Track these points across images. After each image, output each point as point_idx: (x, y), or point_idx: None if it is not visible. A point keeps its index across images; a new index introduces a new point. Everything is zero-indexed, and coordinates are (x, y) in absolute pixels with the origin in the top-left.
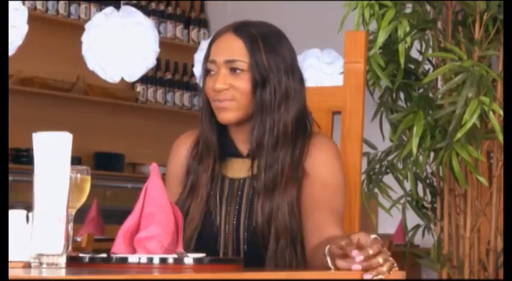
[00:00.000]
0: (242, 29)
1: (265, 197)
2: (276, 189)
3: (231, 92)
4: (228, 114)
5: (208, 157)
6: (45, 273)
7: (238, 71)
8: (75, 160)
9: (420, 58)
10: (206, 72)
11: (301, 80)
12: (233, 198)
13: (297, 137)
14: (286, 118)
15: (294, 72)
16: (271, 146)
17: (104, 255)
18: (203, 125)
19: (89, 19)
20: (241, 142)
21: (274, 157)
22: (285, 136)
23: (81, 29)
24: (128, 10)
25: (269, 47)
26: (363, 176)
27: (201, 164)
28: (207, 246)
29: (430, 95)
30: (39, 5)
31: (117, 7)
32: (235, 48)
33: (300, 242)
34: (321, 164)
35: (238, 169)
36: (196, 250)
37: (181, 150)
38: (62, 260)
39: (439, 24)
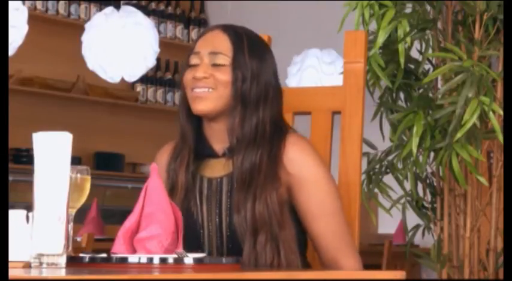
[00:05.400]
0: (230, 28)
1: (241, 190)
2: (254, 184)
3: (212, 81)
4: (204, 104)
5: (184, 150)
6: (45, 273)
7: (220, 66)
8: (75, 160)
9: (420, 58)
10: (187, 66)
11: (279, 90)
12: (213, 197)
13: (273, 139)
14: (264, 118)
15: (274, 80)
16: (248, 142)
17: (104, 255)
18: (180, 120)
19: (89, 19)
20: (216, 141)
21: (250, 153)
22: (263, 135)
23: (81, 29)
24: (127, 10)
25: (253, 50)
26: (363, 176)
27: (178, 160)
28: (191, 245)
29: (430, 95)
30: (39, 5)
31: (117, 7)
32: (220, 43)
33: (283, 242)
34: (301, 167)
35: (215, 169)
36: None
37: (162, 160)
38: (62, 260)
39: (439, 24)
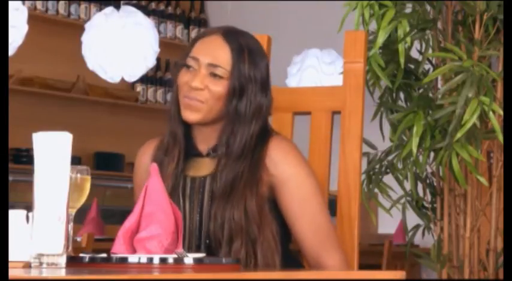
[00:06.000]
0: (231, 36)
1: (221, 200)
2: (233, 192)
3: (205, 94)
4: (194, 115)
5: (174, 149)
6: (45, 273)
7: (217, 77)
8: (75, 160)
9: (420, 58)
10: (183, 66)
11: (271, 101)
12: (196, 195)
13: (256, 145)
14: (255, 130)
15: (267, 88)
16: (237, 155)
17: (104, 255)
18: (171, 118)
19: (89, 19)
20: (201, 141)
21: (236, 165)
22: (249, 146)
23: (81, 29)
24: (127, 10)
25: (252, 60)
26: (363, 176)
27: (167, 155)
28: None
29: (430, 95)
30: (39, 5)
31: (117, 7)
32: (220, 54)
33: (262, 243)
34: (284, 168)
35: (198, 168)
36: None
37: (144, 159)
38: (62, 260)
39: (439, 24)
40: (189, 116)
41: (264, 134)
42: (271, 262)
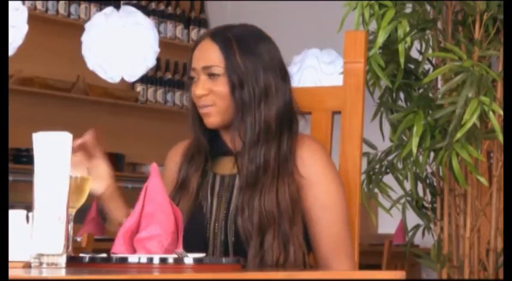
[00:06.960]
0: (218, 34)
1: (247, 191)
2: (261, 184)
3: (210, 97)
4: (211, 119)
5: (199, 157)
6: (45, 273)
7: (215, 76)
8: None
9: (420, 58)
10: (191, 79)
11: (284, 77)
12: (224, 192)
13: (281, 133)
14: (268, 114)
15: (275, 70)
16: (253, 142)
17: (104, 255)
18: (192, 129)
19: (89, 19)
20: (229, 141)
21: (255, 153)
22: (267, 132)
23: (81, 29)
24: (127, 10)
25: (244, 49)
26: (363, 176)
27: (192, 163)
28: (197, 237)
29: (430, 95)
30: (39, 5)
31: (117, 7)
32: (210, 54)
33: (293, 238)
34: (311, 170)
35: (228, 166)
36: (186, 242)
37: (175, 155)
38: (62, 260)
39: (439, 24)
40: (209, 122)
41: (290, 125)
42: (301, 260)
